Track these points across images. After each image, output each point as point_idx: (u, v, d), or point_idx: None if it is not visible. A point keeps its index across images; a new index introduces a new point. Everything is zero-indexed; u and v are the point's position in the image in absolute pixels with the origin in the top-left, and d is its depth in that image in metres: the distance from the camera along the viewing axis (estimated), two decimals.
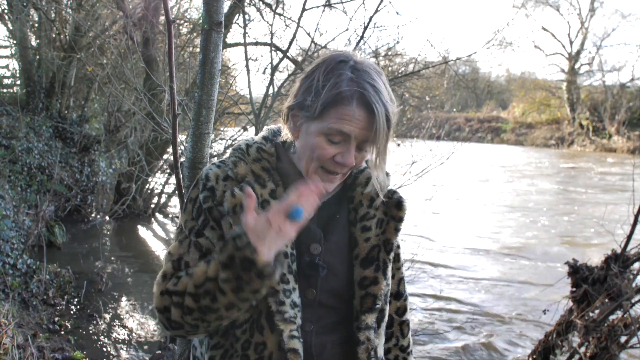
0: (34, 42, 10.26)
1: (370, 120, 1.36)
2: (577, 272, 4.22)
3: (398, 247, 1.69)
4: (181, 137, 5.72)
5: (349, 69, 1.38)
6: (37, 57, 9.93)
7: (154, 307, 1.44)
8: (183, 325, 1.38)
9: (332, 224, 1.53)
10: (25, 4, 8.92)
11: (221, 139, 8.77)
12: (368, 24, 4.94)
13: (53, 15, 9.81)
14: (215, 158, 6.13)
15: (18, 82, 10.36)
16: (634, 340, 3.89)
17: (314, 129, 1.40)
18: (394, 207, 1.57)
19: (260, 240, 1.22)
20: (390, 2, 4.84)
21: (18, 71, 10.14)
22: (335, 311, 1.51)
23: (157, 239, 9.68)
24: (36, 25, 10.10)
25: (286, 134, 1.52)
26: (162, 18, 8.87)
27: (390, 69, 6.99)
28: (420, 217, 11.30)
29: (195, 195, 1.48)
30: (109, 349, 5.32)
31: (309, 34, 5.64)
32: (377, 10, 4.83)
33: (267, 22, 6.39)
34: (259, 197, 1.41)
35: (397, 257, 1.70)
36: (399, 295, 1.72)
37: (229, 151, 1.54)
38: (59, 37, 10.09)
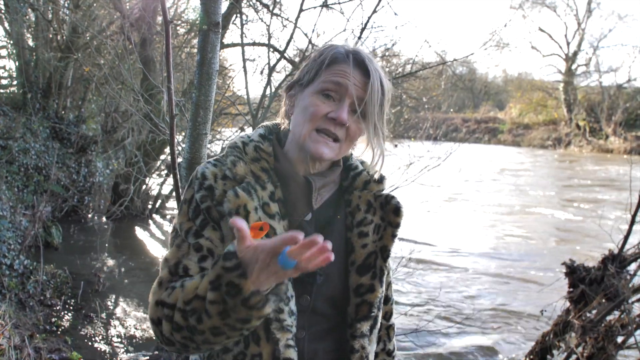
0: (31, 43, 10.23)
1: (364, 81, 1.38)
2: (574, 273, 4.22)
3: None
4: (179, 138, 5.72)
5: (343, 46, 1.44)
6: (34, 57, 9.91)
7: (149, 317, 1.36)
8: (174, 342, 1.30)
9: (329, 228, 1.48)
10: (22, 4, 8.91)
11: (218, 139, 8.77)
12: (366, 24, 4.93)
13: (50, 16, 9.80)
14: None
15: (15, 83, 10.33)
16: (631, 340, 3.90)
17: (308, 92, 1.42)
18: (391, 213, 1.52)
19: (251, 267, 1.10)
20: (388, 3, 4.84)
21: (15, 71, 10.12)
22: (327, 318, 1.47)
23: (154, 239, 9.67)
24: (33, 25, 10.08)
25: (283, 122, 1.53)
26: (160, 18, 8.86)
27: (387, 69, 6.99)
28: (418, 217, 11.30)
29: (191, 196, 1.42)
30: (105, 350, 5.31)
31: (306, 35, 5.64)
32: (374, 11, 4.83)
33: (265, 23, 6.38)
34: (259, 199, 1.37)
35: None
36: (387, 299, 1.68)
37: (225, 149, 1.49)
38: (56, 37, 10.06)
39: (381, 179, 1.56)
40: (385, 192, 1.56)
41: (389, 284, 1.69)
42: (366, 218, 1.51)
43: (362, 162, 1.60)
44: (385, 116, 1.43)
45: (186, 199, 1.43)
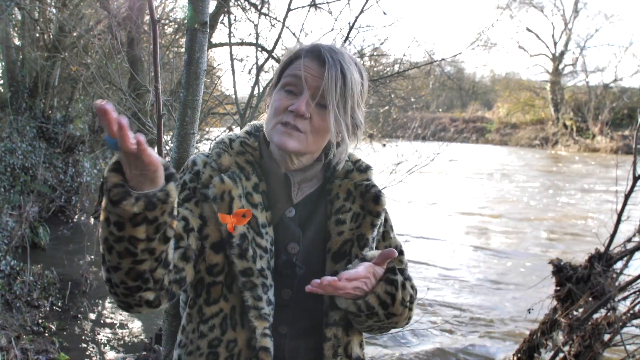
0: (17, 42, 10.16)
1: (321, 71, 1.39)
2: (561, 271, 4.25)
3: (402, 252, 1.62)
4: (166, 138, 5.69)
5: (307, 44, 1.49)
6: (21, 56, 9.84)
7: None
8: (111, 286, 1.27)
9: (311, 220, 1.50)
10: (8, 3, 8.84)
11: (206, 139, 8.75)
12: (354, 24, 4.93)
13: (37, 15, 9.73)
14: None
15: (1, 82, 10.25)
16: (617, 338, 3.93)
17: (275, 91, 1.47)
18: (370, 201, 1.51)
19: (124, 165, 1.10)
20: (376, 2, 4.84)
21: (1, 71, 10.03)
22: (311, 314, 1.47)
23: None
24: (19, 24, 10.01)
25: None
26: (147, 18, 8.83)
27: (375, 69, 7.00)
28: (405, 216, 11.32)
29: (179, 178, 1.47)
30: (93, 351, 5.29)
31: (294, 34, 5.64)
32: (362, 11, 4.83)
33: (253, 22, 6.36)
34: (243, 188, 1.41)
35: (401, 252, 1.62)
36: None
37: (212, 145, 1.54)
38: (43, 36, 10.00)
39: (366, 169, 1.57)
40: (368, 182, 1.55)
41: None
42: (344, 206, 1.51)
43: (350, 155, 1.60)
44: (355, 105, 1.44)
45: None
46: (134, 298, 1.27)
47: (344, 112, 1.40)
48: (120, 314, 6.18)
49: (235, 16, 6.55)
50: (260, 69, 5.32)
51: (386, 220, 1.62)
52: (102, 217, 1.16)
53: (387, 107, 8.44)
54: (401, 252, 1.63)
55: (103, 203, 1.15)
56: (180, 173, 1.48)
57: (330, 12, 5.56)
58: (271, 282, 1.39)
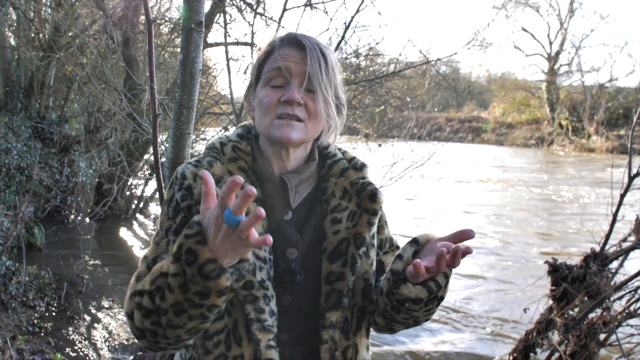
0: (12, 42, 10.14)
1: (302, 55, 1.39)
2: (557, 271, 4.25)
3: (398, 247, 1.59)
4: (162, 137, 5.68)
5: (278, 37, 1.47)
6: (16, 56, 9.82)
7: (124, 313, 1.36)
8: (144, 332, 1.27)
9: (307, 221, 1.47)
10: (3, 2, 8.82)
11: (202, 139, 8.75)
12: (349, 23, 4.94)
13: (32, 15, 9.71)
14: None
15: None
16: (613, 337, 3.94)
17: (258, 89, 1.45)
18: (367, 199, 1.48)
19: (209, 232, 1.08)
20: (372, 2, 4.85)
21: None
22: (310, 317, 1.44)
23: (138, 239, 9.61)
24: (15, 24, 9.99)
25: (253, 124, 1.54)
26: (143, 17, 8.81)
27: (371, 69, 7.00)
28: (401, 216, 11.33)
29: (171, 196, 1.43)
30: (89, 351, 5.27)
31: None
32: (358, 11, 4.83)
33: (248, 22, 6.36)
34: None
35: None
36: None
37: (203, 150, 1.50)
38: (38, 36, 9.99)
39: (361, 167, 1.55)
40: (364, 180, 1.53)
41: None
42: (340, 204, 1.48)
43: (344, 152, 1.59)
44: (337, 84, 1.45)
45: (167, 199, 1.44)
46: (178, 346, 1.31)
47: (331, 92, 1.41)
48: (117, 315, 6.17)
49: (230, 16, 6.56)
50: None
51: (381, 216, 1.59)
52: (174, 283, 1.14)
53: (382, 107, 8.45)
54: (397, 247, 1.61)
55: (175, 269, 1.14)
56: (170, 189, 1.45)
57: (326, 12, 5.56)
58: (272, 292, 1.36)
